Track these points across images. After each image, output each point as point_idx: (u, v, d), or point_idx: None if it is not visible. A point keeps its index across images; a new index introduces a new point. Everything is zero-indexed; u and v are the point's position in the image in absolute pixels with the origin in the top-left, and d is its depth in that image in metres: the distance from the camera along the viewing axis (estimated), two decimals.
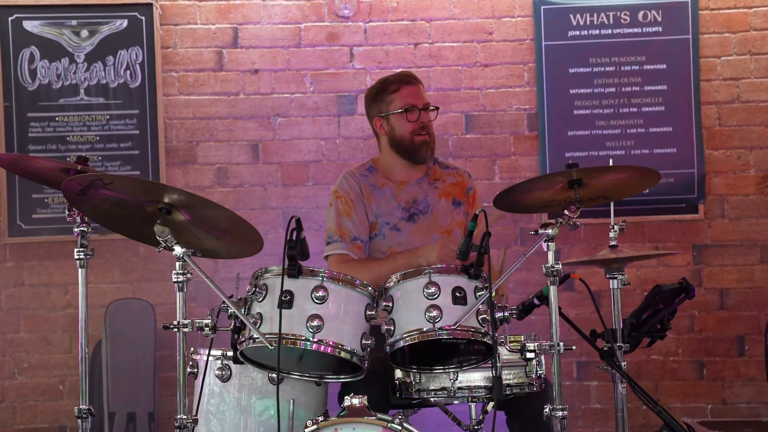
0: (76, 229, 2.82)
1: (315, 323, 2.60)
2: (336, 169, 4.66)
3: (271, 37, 4.80)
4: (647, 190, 4.69)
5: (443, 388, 2.79)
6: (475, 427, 2.84)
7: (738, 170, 4.77)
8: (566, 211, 2.73)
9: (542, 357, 2.79)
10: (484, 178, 4.76)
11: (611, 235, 3.10)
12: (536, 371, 2.81)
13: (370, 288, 2.72)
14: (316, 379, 2.80)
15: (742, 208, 4.76)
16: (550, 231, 2.69)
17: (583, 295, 4.43)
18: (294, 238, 2.59)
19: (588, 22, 4.78)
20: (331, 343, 2.61)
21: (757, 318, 4.71)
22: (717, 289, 4.75)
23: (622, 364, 2.98)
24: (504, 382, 2.77)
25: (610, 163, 3.26)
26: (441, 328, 2.63)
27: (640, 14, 4.77)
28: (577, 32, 4.78)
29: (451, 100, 4.79)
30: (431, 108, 3.52)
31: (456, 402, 2.85)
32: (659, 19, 4.75)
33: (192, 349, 2.86)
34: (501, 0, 4.80)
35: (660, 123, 4.75)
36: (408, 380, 2.81)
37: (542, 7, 4.76)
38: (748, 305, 4.73)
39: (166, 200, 2.65)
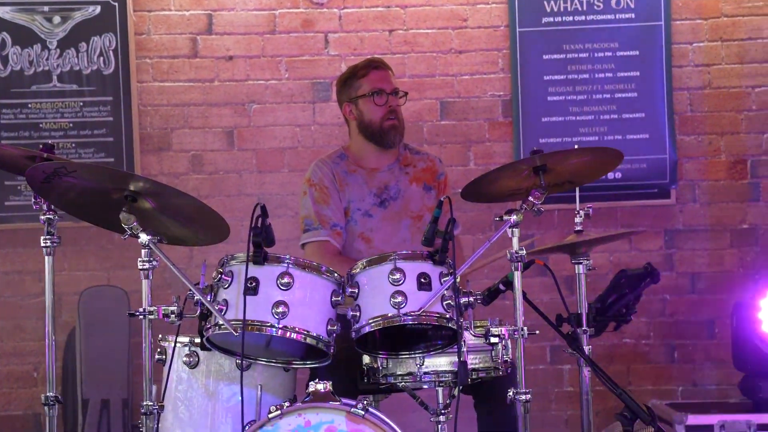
0: (42, 217, 2.82)
1: (280, 309, 2.61)
2: (311, 156, 4.65)
3: (246, 23, 4.79)
4: (620, 175, 4.74)
5: (410, 373, 2.81)
6: (442, 411, 2.87)
7: (709, 155, 4.81)
8: (530, 197, 2.76)
9: (509, 341, 2.82)
10: (459, 165, 4.78)
11: (576, 220, 3.14)
12: (502, 355, 2.84)
13: (336, 274, 2.73)
14: (284, 365, 2.82)
15: (713, 193, 4.80)
16: (514, 217, 2.73)
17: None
18: (259, 225, 2.60)
19: (562, 9, 4.79)
20: (296, 329, 2.63)
21: (727, 302, 4.75)
22: (688, 274, 4.79)
23: (587, 348, 3.01)
24: (470, 367, 2.80)
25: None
26: (406, 314, 2.66)
27: (614, 1, 4.78)
28: (551, 18, 4.79)
29: (426, 86, 4.80)
30: (400, 94, 3.53)
31: (424, 387, 2.88)
32: (632, 5, 4.77)
33: (160, 336, 2.87)
34: None
35: (633, 109, 4.78)
36: (375, 366, 2.83)
37: None
38: (718, 289, 4.78)
39: (132, 188, 2.66)
